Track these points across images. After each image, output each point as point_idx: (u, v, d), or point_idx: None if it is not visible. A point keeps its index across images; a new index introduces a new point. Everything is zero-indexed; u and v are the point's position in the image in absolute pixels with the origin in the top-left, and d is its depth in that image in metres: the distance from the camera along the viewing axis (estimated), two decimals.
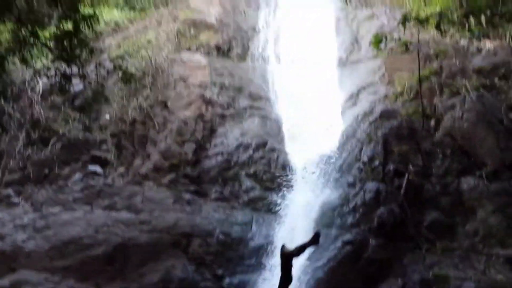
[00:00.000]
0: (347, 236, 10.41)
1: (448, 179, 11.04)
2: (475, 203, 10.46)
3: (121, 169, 12.64)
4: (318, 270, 10.01)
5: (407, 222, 10.22)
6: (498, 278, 8.77)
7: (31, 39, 9.08)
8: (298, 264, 10.43)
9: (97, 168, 12.36)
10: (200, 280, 10.47)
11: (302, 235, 11.08)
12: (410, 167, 11.26)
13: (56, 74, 10.47)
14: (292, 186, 12.86)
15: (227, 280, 10.71)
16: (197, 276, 10.52)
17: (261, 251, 11.22)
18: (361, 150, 12.58)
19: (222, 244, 11.36)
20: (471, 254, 9.76)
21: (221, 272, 10.85)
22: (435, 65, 13.57)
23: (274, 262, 10.94)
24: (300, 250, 7.27)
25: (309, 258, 10.61)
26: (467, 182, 10.76)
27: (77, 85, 12.57)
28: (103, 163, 12.53)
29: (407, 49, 13.00)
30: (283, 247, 7.20)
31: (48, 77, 11.83)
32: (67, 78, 10.31)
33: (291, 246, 7.04)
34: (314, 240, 7.42)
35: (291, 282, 7.49)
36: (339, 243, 10.40)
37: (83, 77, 10.88)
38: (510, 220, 9.68)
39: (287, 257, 6.91)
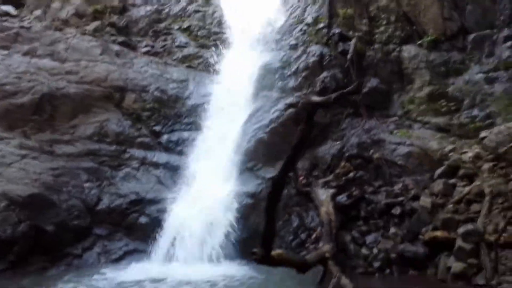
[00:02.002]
0: (290, 99, 11.65)
1: (390, 46, 13.57)
2: (413, 72, 12.30)
3: (38, 12, 12.86)
4: (259, 131, 11.92)
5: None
6: (430, 144, 10.54)
7: None
8: (238, 125, 11.55)
9: (10, 9, 12.42)
10: (137, 136, 12.04)
11: (240, 96, 12.28)
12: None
13: None
14: (230, 44, 13.58)
15: (165, 137, 12.10)
16: (134, 131, 11.93)
17: (199, 110, 12.38)
18: (304, 10, 13.60)
19: (158, 101, 12.95)
20: (405, 121, 11.42)
21: (159, 129, 11.91)
22: None
23: (211, 123, 12.94)
24: (338, 97, 7.15)
25: (248, 120, 11.80)
26: (407, 51, 13.32)
27: None
28: (17, 3, 12.54)
29: None
30: (306, 94, 7.16)
31: None
32: None
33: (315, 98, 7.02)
34: (356, 88, 8.02)
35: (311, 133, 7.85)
36: (281, 105, 11.64)
37: None
38: (443, 90, 11.35)
39: (313, 106, 6.69)
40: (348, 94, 8.37)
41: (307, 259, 7.83)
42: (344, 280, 6.07)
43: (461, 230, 8.33)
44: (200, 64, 14.48)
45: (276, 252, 7.05)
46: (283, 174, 6.57)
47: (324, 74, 13.00)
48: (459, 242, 8.20)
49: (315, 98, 6.56)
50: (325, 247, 8.42)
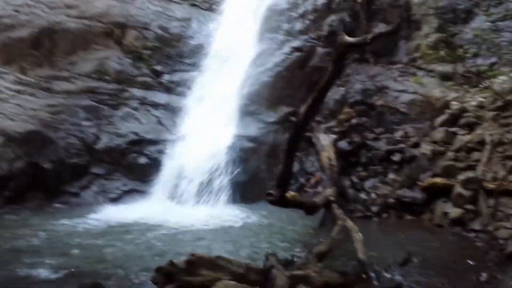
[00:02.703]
0: (296, 43, 11.41)
1: None
2: (421, 18, 12.04)
3: None
4: (263, 74, 11.71)
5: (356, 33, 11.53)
6: (433, 92, 10.47)
7: None
8: (241, 68, 11.40)
9: None
10: (138, 75, 11.96)
11: (244, 38, 12.04)
12: None
13: None
14: None
15: (166, 77, 12.01)
16: (134, 70, 11.83)
17: (202, 50, 12.25)
18: None
19: (160, 39, 12.82)
20: (410, 69, 11.31)
21: (160, 68, 11.79)
22: None
23: (214, 64, 12.59)
24: (375, 38, 6.45)
25: (253, 63, 11.69)
26: None
27: None
28: None
29: None
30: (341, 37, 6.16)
31: None
32: None
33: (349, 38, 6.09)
34: (396, 29, 7.72)
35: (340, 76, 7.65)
36: (286, 49, 11.45)
37: None
38: (450, 38, 11.18)
39: (346, 47, 5.97)
40: (387, 35, 8.07)
41: (316, 202, 7.92)
42: (349, 223, 6.13)
43: (461, 177, 8.60)
44: (204, 3, 14.03)
45: (290, 194, 7.12)
46: (306, 118, 6.47)
47: (332, 17, 12.73)
48: (458, 189, 8.46)
49: (349, 39, 5.84)
50: (328, 191, 8.50)
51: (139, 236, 7.57)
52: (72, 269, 5.65)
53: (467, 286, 5.39)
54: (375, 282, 5.17)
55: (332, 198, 8.10)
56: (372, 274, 5.27)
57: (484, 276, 5.52)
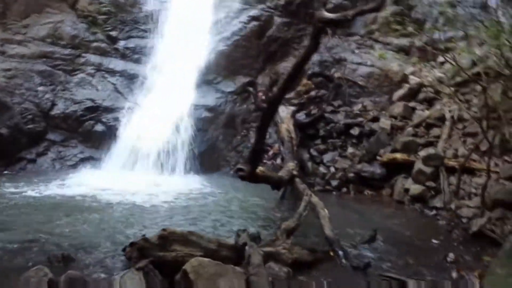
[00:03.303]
0: (253, 11, 11.50)
1: None
2: None
3: None
4: (220, 43, 11.76)
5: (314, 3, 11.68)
6: (390, 66, 10.76)
7: None
8: (197, 35, 11.42)
9: None
10: (93, 41, 11.92)
11: (200, 4, 12.01)
12: None
13: None
14: None
15: (121, 43, 11.98)
16: (89, 35, 11.77)
17: (157, 16, 12.29)
18: None
19: (114, 4, 13.00)
20: (367, 41, 11.55)
21: (115, 34, 11.73)
22: None
23: (169, 31, 12.47)
24: (356, 14, 6.28)
25: (210, 31, 11.81)
26: None
27: None
28: None
29: None
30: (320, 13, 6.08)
31: None
32: None
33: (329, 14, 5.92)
34: (377, 7, 7.25)
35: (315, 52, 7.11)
36: (244, 18, 11.53)
37: None
38: (406, 11, 11.43)
39: (325, 23, 5.84)
40: (368, 12, 7.94)
41: (283, 176, 8.02)
42: (314, 199, 6.26)
43: (422, 153, 8.74)
44: None
45: (260, 169, 7.19)
46: (281, 93, 6.52)
47: None
48: (418, 165, 8.59)
49: (328, 15, 5.73)
50: (290, 164, 8.66)
51: (103, 206, 7.47)
52: (41, 240, 5.47)
53: (434, 266, 5.37)
54: (343, 260, 5.17)
55: (295, 173, 8.28)
56: (340, 252, 5.30)
57: (451, 256, 5.55)
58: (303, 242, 5.61)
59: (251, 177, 6.92)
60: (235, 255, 4.83)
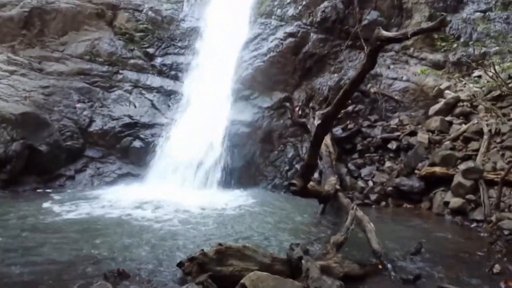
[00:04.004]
0: (289, 28, 11.59)
1: None
2: (413, 7, 12.37)
3: None
4: (257, 59, 11.90)
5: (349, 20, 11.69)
6: (426, 81, 10.73)
7: None
8: (234, 52, 11.53)
9: None
10: (130, 57, 12.05)
11: (236, 22, 12.15)
12: None
13: None
14: None
15: (158, 60, 12.07)
16: (126, 52, 11.94)
17: (193, 33, 12.31)
18: None
19: (152, 22, 12.89)
20: (402, 56, 11.54)
21: (152, 51, 11.87)
22: None
23: (206, 47, 12.72)
24: (415, 33, 6.38)
25: (245, 47, 11.77)
26: None
27: None
28: None
29: None
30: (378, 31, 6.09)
31: None
32: None
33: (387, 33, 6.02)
34: (439, 25, 6.40)
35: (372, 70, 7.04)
36: (280, 34, 11.59)
37: None
38: (442, 26, 11.35)
39: (383, 41, 5.93)
40: (429, 31, 7.41)
41: (329, 191, 7.99)
42: (360, 213, 6.21)
43: (462, 167, 8.68)
44: None
45: (310, 184, 7.19)
46: (337, 109, 6.51)
47: (325, 3, 12.82)
48: (458, 178, 8.53)
49: (387, 33, 5.83)
50: (331, 179, 8.60)
51: (148, 222, 7.47)
52: (97, 257, 5.49)
53: (482, 277, 5.33)
54: (393, 273, 5.15)
55: (338, 187, 8.25)
56: (389, 265, 5.28)
57: (497, 267, 5.49)
58: (350, 255, 5.53)
59: (303, 192, 6.94)
60: (288, 269, 4.84)
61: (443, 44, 10.37)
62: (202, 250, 4.74)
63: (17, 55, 11.37)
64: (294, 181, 6.78)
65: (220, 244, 4.76)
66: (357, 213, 6.14)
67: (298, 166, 10.93)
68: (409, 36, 5.81)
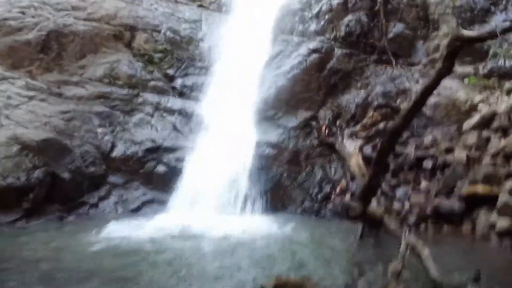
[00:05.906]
0: (313, 44, 11.37)
1: None
2: (439, 18, 11.96)
3: None
4: (280, 78, 11.56)
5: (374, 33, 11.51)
6: (458, 95, 10.45)
7: None
8: (255, 71, 11.37)
9: None
10: (150, 79, 11.82)
11: (256, 39, 12.02)
12: None
13: None
14: None
15: (179, 81, 11.87)
16: (146, 74, 11.69)
17: (213, 53, 12.19)
18: None
19: (170, 42, 12.73)
20: (430, 70, 11.39)
21: (172, 72, 11.67)
22: None
23: (226, 67, 12.42)
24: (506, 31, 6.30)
25: (267, 65, 11.60)
26: None
27: None
28: None
29: None
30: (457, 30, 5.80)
31: None
32: None
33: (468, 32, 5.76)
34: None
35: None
36: (303, 50, 11.39)
37: None
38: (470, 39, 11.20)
39: (463, 41, 5.53)
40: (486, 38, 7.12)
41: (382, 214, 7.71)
42: (412, 239, 5.91)
43: (508, 184, 8.25)
44: (212, 3, 13.88)
45: (371, 208, 7.05)
46: (405, 122, 6.27)
47: (349, 17, 12.62)
48: (504, 198, 8.11)
49: (468, 32, 5.53)
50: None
51: (182, 252, 7.12)
52: None
53: None
54: None
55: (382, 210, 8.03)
56: None
57: None
58: (408, 285, 5.24)
59: (363, 216, 6.70)
60: None
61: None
62: (261, 286, 4.58)
63: (35, 79, 11.16)
64: (353, 205, 6.48)
65: (277, 278, 4.57)
66: (410, 239, 5.90)
67: (327, 188, 10.63)
68: (498, 34, 5.40)
